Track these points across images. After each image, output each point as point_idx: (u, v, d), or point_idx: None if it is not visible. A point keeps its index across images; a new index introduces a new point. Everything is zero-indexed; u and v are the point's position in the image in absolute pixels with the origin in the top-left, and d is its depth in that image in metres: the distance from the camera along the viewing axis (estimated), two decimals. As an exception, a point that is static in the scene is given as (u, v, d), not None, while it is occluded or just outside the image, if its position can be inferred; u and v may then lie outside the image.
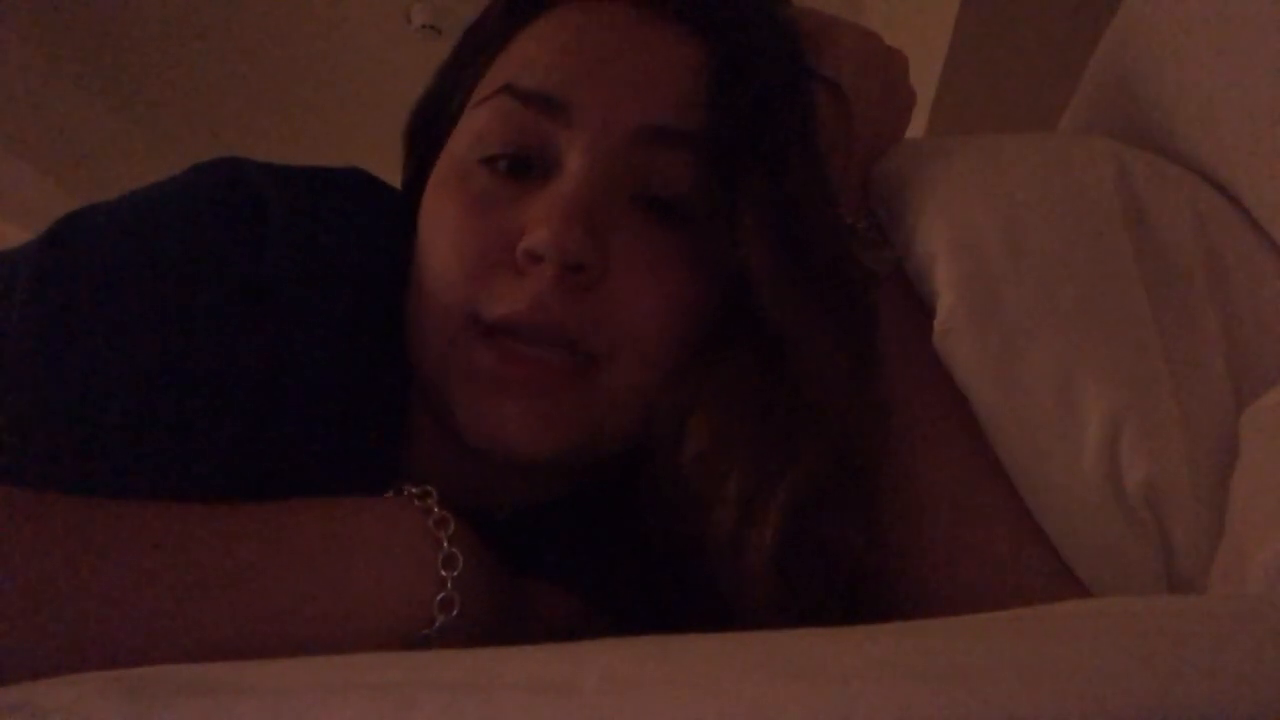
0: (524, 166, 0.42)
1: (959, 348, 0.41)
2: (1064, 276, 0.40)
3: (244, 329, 0.39)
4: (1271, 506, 0.35)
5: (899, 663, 0.21)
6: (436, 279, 0.42)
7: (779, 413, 0.39)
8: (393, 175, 0.53)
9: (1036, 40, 1.48)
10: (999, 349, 0.40)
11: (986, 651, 0.22)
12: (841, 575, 0.37)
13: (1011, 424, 0.40)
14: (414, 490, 0.38)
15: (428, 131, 0.50)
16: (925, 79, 1.63)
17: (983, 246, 0.42)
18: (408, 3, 2.43)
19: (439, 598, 0.35)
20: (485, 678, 0.21)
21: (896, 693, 0.19)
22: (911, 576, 0.40)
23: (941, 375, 0.42)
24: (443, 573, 0.36)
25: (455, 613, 0.35)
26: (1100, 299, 0.40)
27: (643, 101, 0.42)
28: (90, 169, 2.78)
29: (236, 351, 0.39)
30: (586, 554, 0.46)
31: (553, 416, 0.39)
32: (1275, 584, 0.33)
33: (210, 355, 0.38)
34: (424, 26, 2.44)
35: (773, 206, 0.41)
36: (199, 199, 0.41)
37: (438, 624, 0.35)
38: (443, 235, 0.42)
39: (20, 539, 0.31)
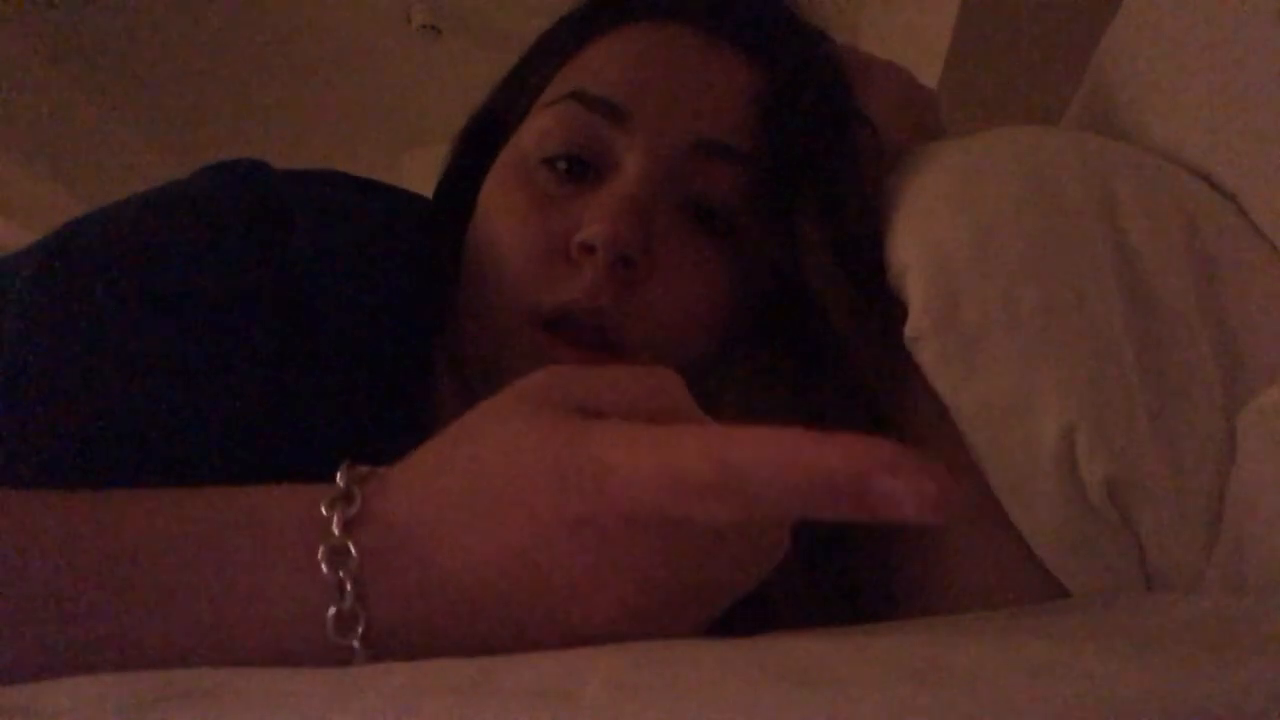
0: (582, 168, 0.45)
1: (924, 355, 0.42)
2: (1028, 283, 0.41)
3: (275, 328, 0.40)
4: (1271, 506, 0.35)
5: (899, 663, 0.21)
6: (497, 270, 0.45)
7: (823, 411, 0.41)
8: (390, 176, 0.53)
9: (1036, 40, 1.48)
10: (958, 356, 0.41)
11: (984, 651, 0.22)
12: (861, 572, 0.38)
13: (975, 428, 0.40)
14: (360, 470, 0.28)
15: (487, 131, 0.53)
16: (925, 79, 1.63)
17: (950, 258, 0.42)
18: (408, 3, 2.43)
19: (330, 612, 0.25)
20: (486, 683, 0.21)
21: (896, 695, 0.19)
22: (910, 576, 0.41)
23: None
24: (328, 571, 0.25)
25: (360, 631, 0.25)
26: (1064, 304, 0.40)
27: (699, 117, 0.46)
28: (90, 169, 2.78)
29: (267, 350, 0.39)
30: None
31: None
32: (1275, 584, 0.33)
33: (239, 355, 0.39)
34: (424, 26, 2.44)
35: (830, 223, 0.45)
36: (222, 198, 0.42)
37: (357, 650, 0.25)
38: (504, 229, 0.45)
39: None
